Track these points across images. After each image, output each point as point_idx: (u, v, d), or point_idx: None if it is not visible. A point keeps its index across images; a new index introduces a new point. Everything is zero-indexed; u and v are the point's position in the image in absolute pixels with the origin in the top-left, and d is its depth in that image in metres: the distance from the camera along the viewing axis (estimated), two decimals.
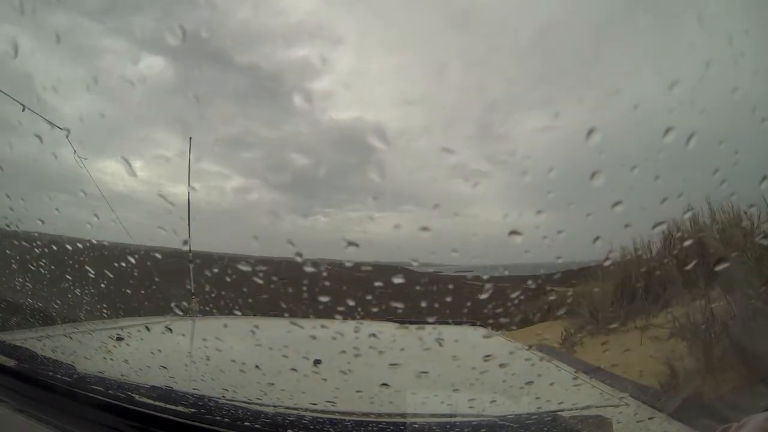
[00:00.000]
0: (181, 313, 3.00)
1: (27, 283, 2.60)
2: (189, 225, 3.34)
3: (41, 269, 2.63)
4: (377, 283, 2.15)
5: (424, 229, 1.84)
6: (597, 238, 1.73)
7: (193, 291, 3.83)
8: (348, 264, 1.92)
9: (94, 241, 2.36)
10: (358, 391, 1.40)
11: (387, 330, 2.32)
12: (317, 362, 1.59)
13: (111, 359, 1.60)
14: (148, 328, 2.12)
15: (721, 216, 5.16)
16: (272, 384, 1.39)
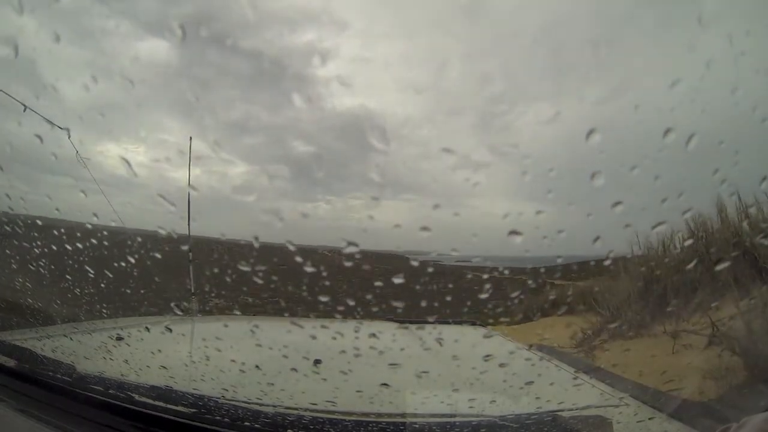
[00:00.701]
0: (180, 313, 3.00)
1: (27, 283, 2.60)
2: (189, 225, 3.34)
3: (41, 269, 2.63)
4: (377, 283, 2.15)
5: (425, 228, 1.83)
6: (597, 239, 1.73)
7: (193, 291, 3.83)
8: (348, 263, 1.92)
9: (94, 241, 2.36)
10: (358, 391, 1.40)
11: (387, 330, 2.32)
12: (317, 362, 1.59)
13: (111, 359, 1.60)
14: (147, 329, 2.12)
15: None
16: (272, 384, 1.39)
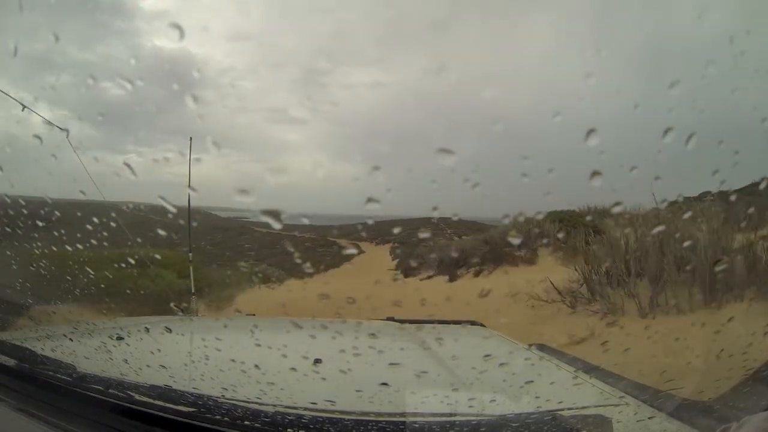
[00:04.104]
0: (180, 312, 3.00)
1: (27, 283, 2.60)
2: (189, 225, 3.35)
3: (41, 269, 2.63)
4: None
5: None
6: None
7: (193, 291, 3.84)
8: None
9: (94, 241, 2.37)
10: (357, 391, 1.40)
11: (386, 329, 2.32)
12: (317, 361, 1.59)
13: (111, 359, 1.60)
14: (147, 329, 2.12)
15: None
16: (272, 383, 1.39)
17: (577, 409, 1.24)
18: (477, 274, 9.70)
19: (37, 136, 2.45)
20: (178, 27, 2.08)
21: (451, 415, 1.17)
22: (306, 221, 1.92)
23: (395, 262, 16.47)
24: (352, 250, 17.65)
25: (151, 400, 1.12)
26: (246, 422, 1.05)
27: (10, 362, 1.34)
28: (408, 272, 13.04)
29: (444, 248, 12.82)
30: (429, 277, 11.42)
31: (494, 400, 1.36)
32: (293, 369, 1.55)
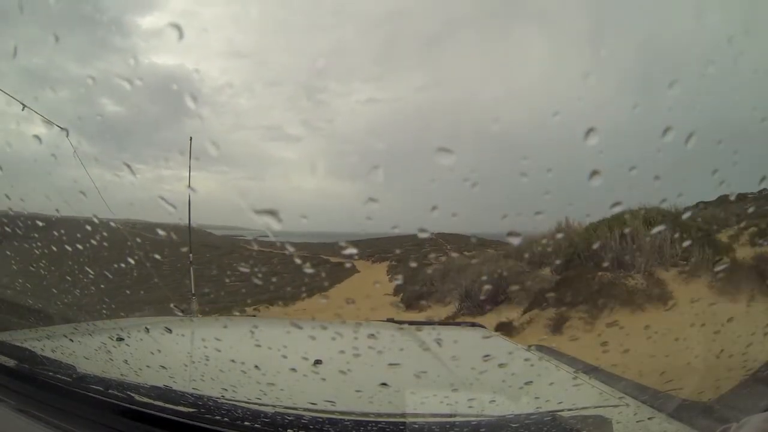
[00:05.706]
0: (180, 313, 3.00)
1: (27, 284, 2.60)
2: (189, 226, 3.35)
3: (41, 269, 2.63)
4: None
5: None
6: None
7: (193, 291, 3.84)
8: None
9: (94, 242, 2.36)
10: (357, 391, 1.40)
11: (386, 330, 2.32)
12: (318, 362, 1.59)
13: (111, 359, 1.60)
14: (147, 329, 2.12)
15: None
16: (272, 384, 1.39)
17: (576, 409, 1.24)
18: (557, 326, 5.08)
19: (37, 136, 2.45)
20: (177, 27, 2.07)
21: (450, 415, 1.17)
22: (305, 221, 1.92)
23: (394, 284, 13.01)
24: (343, 272, 16.50)
25: (151, 401, 1.12)
26: (246, 423, 1.05)
27: (10, 362, 1.34)
28: (413, 304, 9.47)
29: (461, 270, 8.84)
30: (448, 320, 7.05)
31: (494, 401, 1.36)
32: (293, 370, 1.55)
